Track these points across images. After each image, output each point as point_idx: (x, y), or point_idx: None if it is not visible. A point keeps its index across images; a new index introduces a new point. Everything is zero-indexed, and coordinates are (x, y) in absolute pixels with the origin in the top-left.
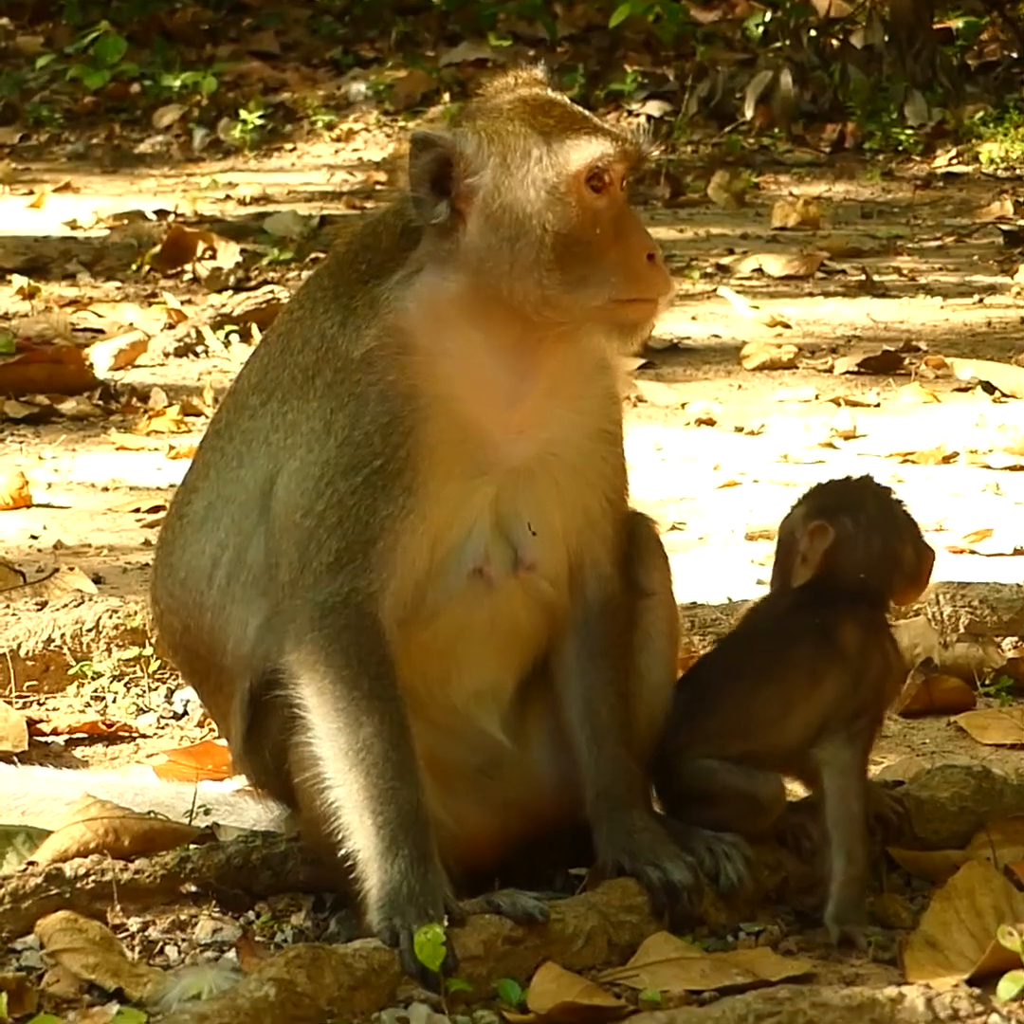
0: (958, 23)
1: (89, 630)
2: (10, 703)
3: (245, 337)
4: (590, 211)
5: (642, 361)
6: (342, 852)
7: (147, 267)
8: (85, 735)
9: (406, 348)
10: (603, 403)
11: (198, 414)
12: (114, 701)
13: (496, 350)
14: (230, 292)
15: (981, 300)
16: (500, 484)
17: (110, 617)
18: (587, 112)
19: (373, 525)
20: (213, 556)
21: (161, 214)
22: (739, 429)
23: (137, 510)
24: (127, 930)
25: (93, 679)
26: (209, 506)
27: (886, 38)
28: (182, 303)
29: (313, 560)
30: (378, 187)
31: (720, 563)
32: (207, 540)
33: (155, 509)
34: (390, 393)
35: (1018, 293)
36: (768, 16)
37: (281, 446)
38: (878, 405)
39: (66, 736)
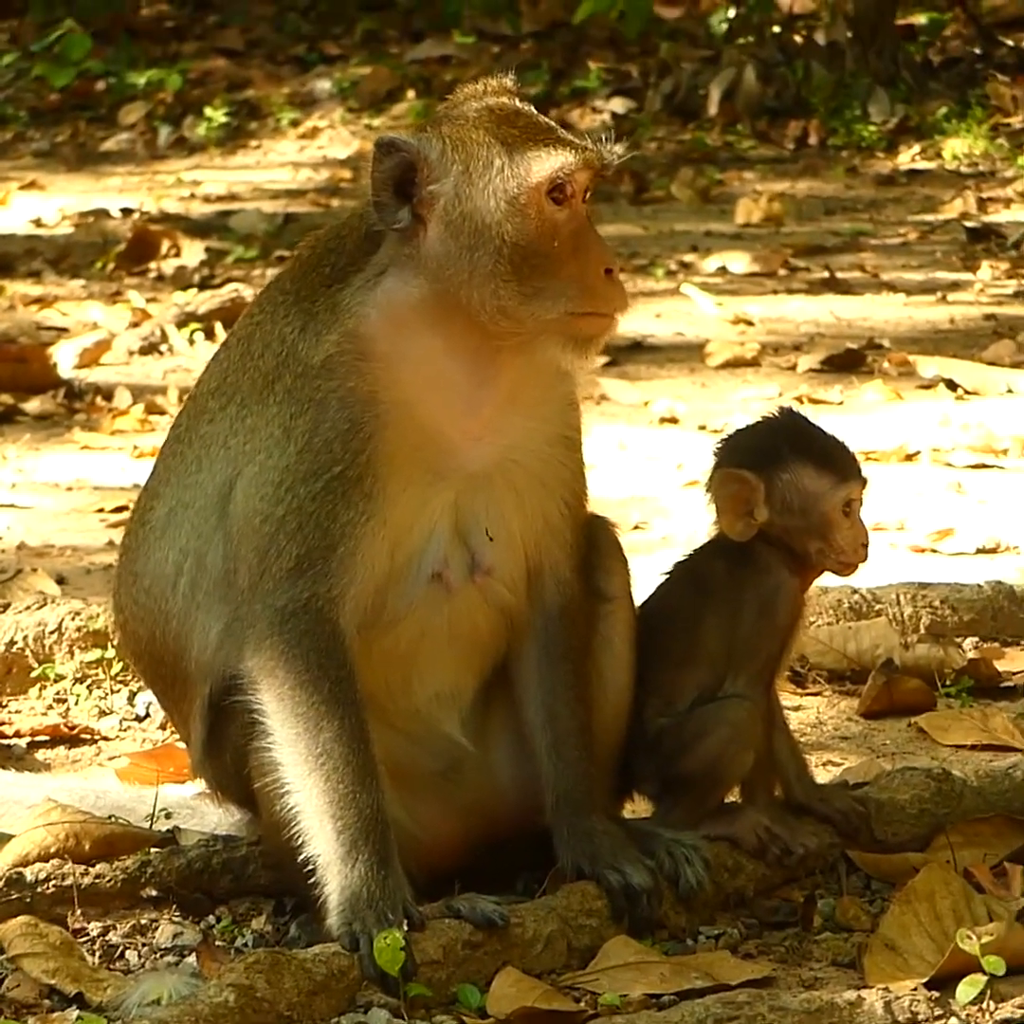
0: (921, 19)
1: (51, 632)
2: None
3: (209, 335)
4: (550, 223)
5: (606, 359)
6: (302, 857)
7: (112, 265)
8: (47, 737)
9: (366, 354)
10: (562, 409)
11: (162, 413)
12: (76, 703)
13: (456, 356)
14: (195, 290)
15: (944, 297)
16: (459, 489)
17: (73, 619)
18: (553, 123)
19: (333, 531)
20: (176, 563)
21: (126, 212)
22: (702, 427)
23: (101, 510)
24: (88, 935)
25: (55, 681)
26: (170, 512)
27: (849, 35)
28: (147, 301)
29: (273, 566)
30: (343, 184)
31: None
32: (170, 547)
33: (119, 509)
34: (350, 399)
35: (981, 290)
36: (732, 13)
37: (240, 451)
38: (841, 403)
39: (28, 738)
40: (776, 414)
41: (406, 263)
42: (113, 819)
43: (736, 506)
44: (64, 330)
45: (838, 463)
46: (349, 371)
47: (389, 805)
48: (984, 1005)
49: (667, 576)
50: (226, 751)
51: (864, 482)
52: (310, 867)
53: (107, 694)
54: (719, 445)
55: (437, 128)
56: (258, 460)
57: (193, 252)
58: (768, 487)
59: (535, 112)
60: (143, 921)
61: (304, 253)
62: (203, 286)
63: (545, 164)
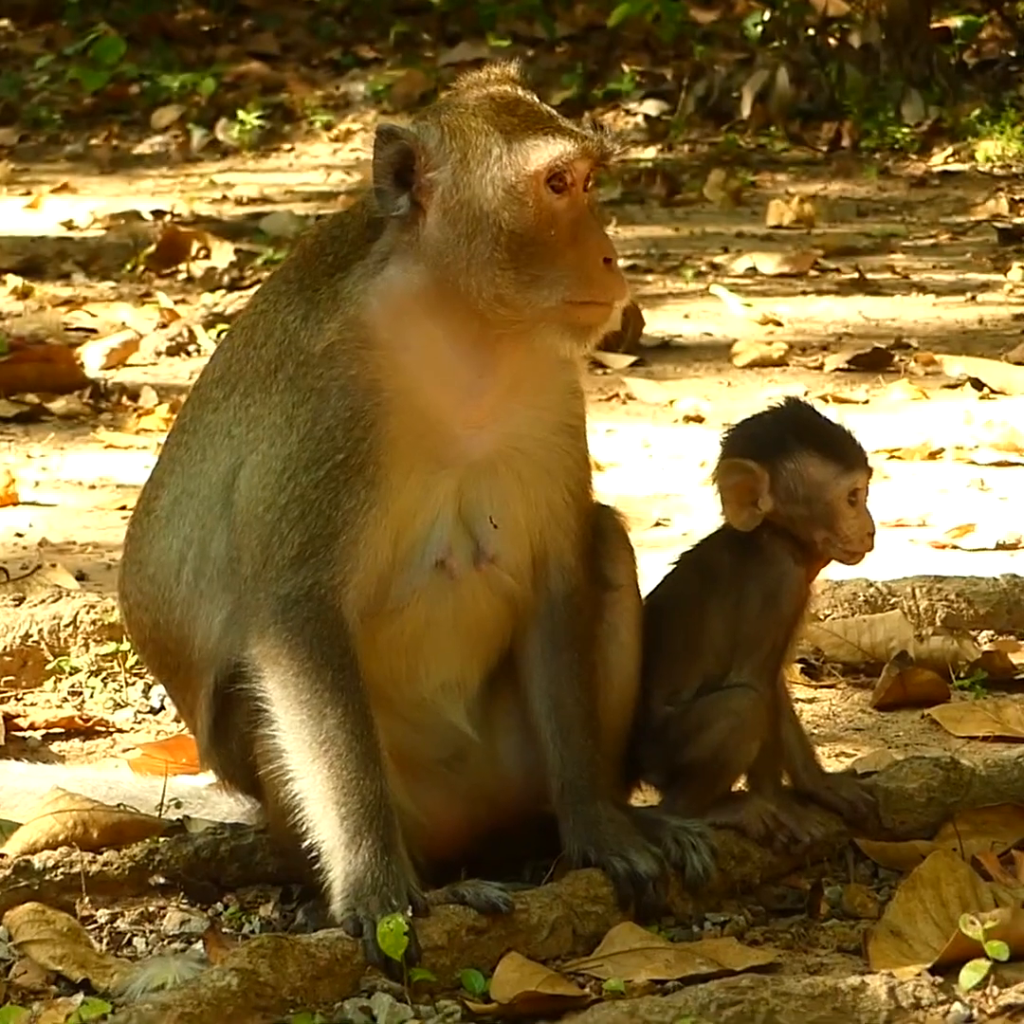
0: (956, 22)
1: (67, 625)
2: None
3: None
4: (548, 212)
5: (633, 359)
6: (307, 843)
7: (142, 267)
8: (62, 730)
9: (367, 342)
10: (564, 398)
11: None
12: (91, 696)
13: (456, 344)
14: (223, 291)
15: (973, 297)
16: (462, 477)
17: (88, 612)
18: (553, 112)
19: (335, 519)
20: (180, 551)
21: (158, 214)
22: (727, 426)
23: (123, 508)
24: (95, 922)
25: (70, 674)
26: (175, 501)
27: (883, 37)
28: (175, 302)
29: (275, 554)
30: None
31: None
32: (174, 535)
33: None
34: (351, 387)
35: (1010, 291)
36: (766, 15)
37: (243, 440)
38: (867, 402)
39: (43, 731)
40: (782, 404)
41: (407, 250)
42: (121, 808)
43: (740, 496)
44: (92, 331)
45: (843, 452)
46: (350, 359)
47: (393, 791)
48: (987, 990)
49: (674, 566)
50: (232, 739)
51: (869, 471)
52: (315, 853)
53: (122, 687)
54: (725, 435)
55: (436, 116)
56: (261, 449)
57: (223, 254)
58: (772, 476)
59: (537, 100)
60: (151, 908)
61: (307, 242)
62: (232, 287)
63: (544, 152)
